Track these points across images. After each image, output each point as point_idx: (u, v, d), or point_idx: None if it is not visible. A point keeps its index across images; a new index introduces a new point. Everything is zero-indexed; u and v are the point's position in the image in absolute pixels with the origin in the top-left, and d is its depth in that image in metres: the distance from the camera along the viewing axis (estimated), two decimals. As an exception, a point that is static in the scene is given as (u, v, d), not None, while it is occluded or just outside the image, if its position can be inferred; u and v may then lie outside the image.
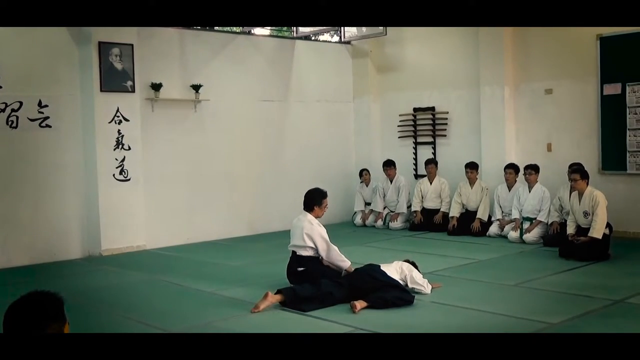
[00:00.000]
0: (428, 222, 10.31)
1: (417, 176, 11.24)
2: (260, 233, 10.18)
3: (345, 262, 6.43)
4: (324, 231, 6.41)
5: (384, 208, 10.93)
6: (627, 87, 9.01)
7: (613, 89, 9.14)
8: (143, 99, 9.18)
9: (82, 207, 8.81)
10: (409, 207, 10.70)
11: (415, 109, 11.34)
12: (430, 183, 10.49)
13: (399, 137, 11.55)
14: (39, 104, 8.44)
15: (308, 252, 6.42)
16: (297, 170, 10.74)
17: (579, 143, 9.51)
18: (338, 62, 11.73)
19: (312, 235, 6.37)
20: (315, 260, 6.43)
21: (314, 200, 6.50)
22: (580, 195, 7.86)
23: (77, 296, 6.51)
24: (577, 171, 7.94)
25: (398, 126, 11.52)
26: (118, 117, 8.84)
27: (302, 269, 6.43)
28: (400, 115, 11.48)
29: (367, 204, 11.19)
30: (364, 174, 11.25)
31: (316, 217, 6.51)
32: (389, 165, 10.85)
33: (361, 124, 11.89)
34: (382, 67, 11.74)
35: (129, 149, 8.94)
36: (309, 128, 11.22)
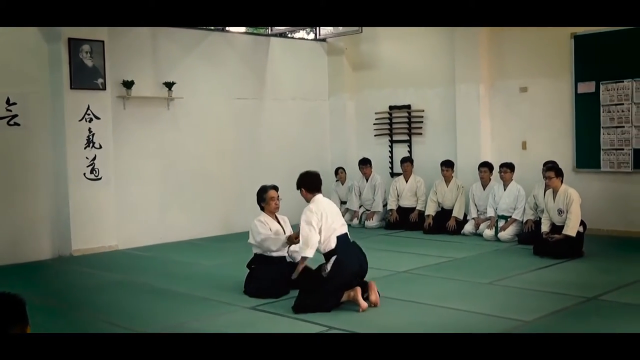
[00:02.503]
0: (404, 220, 10.36)
1: (392, 174, 11.29)
2: (234, 232, 10.15)
3: (279, 251, 6.40)
4: (261, 226, 6.37)
5: (360, 207, 10.97)
6: (601, 86, 9.13)
7: (587, 87, 9.26)
8: (114, 96, 9.11)
9: (52, 207, 8.72)
10: (384, 205, 10.75)
11: (391, 107, 11.39)
12: (406, 181, 10.55)
13: (374, 135, 11.59)
14: (7, 101, 8.33)
15: (257, 249, 6.50)
16: (272, 168, 10.72)
17: (554, 141, 9.62)
18: (313, 60, 11.73)
19: (252, 229, 6.45)
20: (260, 258, 6.46)
21: (258, 198, 6.60)
22: (555, 193, 7.96)
23: (47, 297, 6.46)
24: (551, 169, 8.04)
25: (374, 124, 11.56)
26: (88, 115, 8.76)
27: (253, 266, 6.50)
28: (376, 113, 11.52)
29: (343, 202, 11.21)
30: (339, 173, 11.27)
31: (271, 213, 6.51)
32: (364, 163, 10.89)
33: (337, 122, 11.91)
34: (357, 65, 11.77)
35: (100, 147, 8.87)
36: (284, 126, 11.21)
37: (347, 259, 5.79)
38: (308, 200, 5.97)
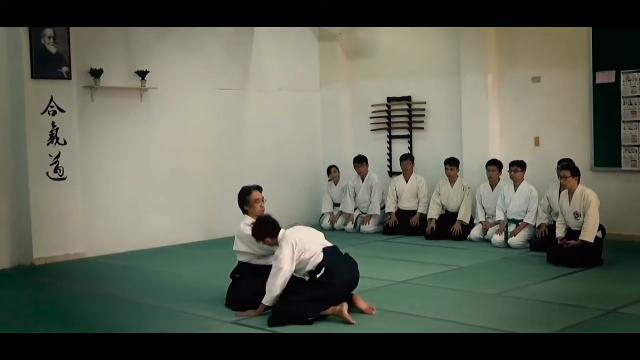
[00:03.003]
0: (403, 224, 10.35)
1: (391, 174, 11.28)
2: (216, 238, 10.13)
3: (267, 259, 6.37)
4: (247, 229, 6.35)
5: (355, 209, 10.94)
6: (621, 75, 9.14)
7: (606, 77, 9.27)
8: (81, 86, 9.07)
9: (10, 210, 8.68)
10: (382, 208, 10.73)
11: (389, 99, 11.38)
12: (406, 181, 10.53)
13: (371, 130, 11.57)
14: (-40, 92, 8.31)
15: (242, 257, 6.46)
16: (258, 167, 10.69)
17: (569, 137, 9.63)
18: (303, 47, 11.71)
19: (238, 235, 6.43)
20: (245, 267, 6.43)
21: (240, 201, 6.57)
22: (570, 194, 7.95)
23: (4, 311, 6.43)
24: (566, 167, 8.04)
25: (370, 118, 11.55)
26: (52, 107, 8.71)
27: (237, 275, 6.49)
28: (372, 106, 11.51)
29: (336, 204, 11.20)
30: (332, 172, 11.25)
31: (256, 215, 6.46)
32: (360, 161, 10.87)
33: (329, 115, 11.89)
34: (352, 52, 11.75)
35: (65, 143, 8.82)
36: (271, 120, 11.18)
37: (338, 269, 5.86)
38: (277, 243, 6.00)
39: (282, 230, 6.03)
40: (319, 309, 5.73)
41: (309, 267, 5.91)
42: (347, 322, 5.65)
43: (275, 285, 5.84)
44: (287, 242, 5.90)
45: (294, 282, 5.95)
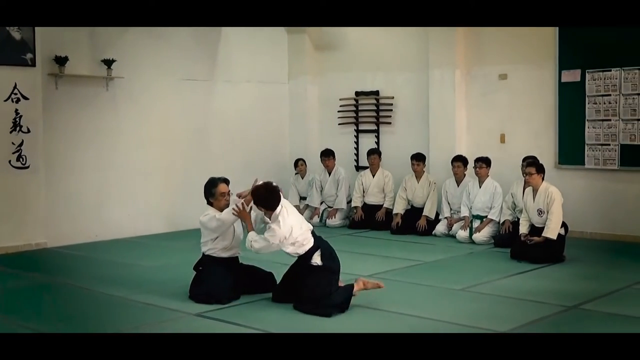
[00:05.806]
0: (369, 219, 10.41)
1: (358, 168, 11.34)
2: (181, 230, 10.10)
3: (232, 250, 6.51)
4: (211, 217, 6.35)
5: (321, 203, 10.99)
6: (586, 75, 9.29)
7: (572, 75, 9.41)
8: (45, 74, 8.99)
9: (-29, 199, 8.58)
10: (348, 202, 10.79)
11: (357, 93, 11.42)
12: (373, 176, 10.60)
13: (339, 124, 11.61)
14: None
15: (207, 249, 6.48)
16: (224, 159, 10.67)
17: (535, 134, 9.77)
18: (271, 38, 11.68)
19: (202, 224, 6.45)
20: (209, 259, 6.45)
21: (206, 192, 6.57)
22: (535, 191, 8.07)
23: (-36, 302, 6.36)
24: (531, 165, 8.16)
25: (338, 112, 11.58)
26: (15, 94, 8.63)
27: (200, 268, 6.49)
28: (340, 100, 11.54)
29: (303, 198, 11.24)
30: (299, 165, 11.27)
31: (220, 209, 6.46)
32: (327, 155, 10.91)
33: (297, 108, 11.90)
34: (321, 45, 11.76)
35: (28, 131, 8.74)
36: (238, 112, 11.17)
37: (330, 251, 6.14)
38: (270, 217, 6.05)
39: (279, 207, 6.04)
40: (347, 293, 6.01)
41: (300, 249, 6.01)
42: (379, 287, 6.14)
43: (260, 245, 6.01)
44: (285, 224, 5.93)
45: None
